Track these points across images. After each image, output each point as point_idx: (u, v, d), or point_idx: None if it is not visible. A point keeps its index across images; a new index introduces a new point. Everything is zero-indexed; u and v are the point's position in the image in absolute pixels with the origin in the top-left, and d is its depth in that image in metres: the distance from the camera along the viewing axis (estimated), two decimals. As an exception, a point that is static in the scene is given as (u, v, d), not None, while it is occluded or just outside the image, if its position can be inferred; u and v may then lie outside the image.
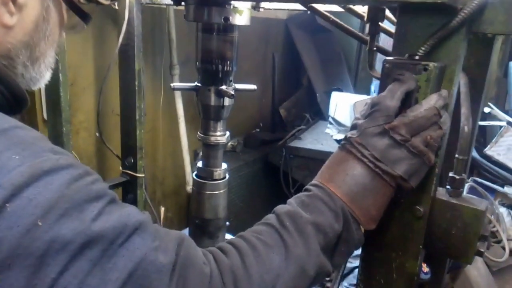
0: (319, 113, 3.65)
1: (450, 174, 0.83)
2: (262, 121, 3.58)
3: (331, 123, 3.09)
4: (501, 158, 2.35)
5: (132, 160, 1.97)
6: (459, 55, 0.74)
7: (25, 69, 0.67)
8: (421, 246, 0.82)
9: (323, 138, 2.99)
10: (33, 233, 0.49)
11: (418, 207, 0.80)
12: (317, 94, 3.59)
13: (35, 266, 0.49)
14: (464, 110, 0.84)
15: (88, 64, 2.02)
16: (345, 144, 0.73)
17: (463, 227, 0.80)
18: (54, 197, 0.51)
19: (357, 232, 0.70)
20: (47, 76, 0.73)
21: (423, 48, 0.73)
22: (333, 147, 2.83)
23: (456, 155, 0.83)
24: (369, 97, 2.82)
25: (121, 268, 0.53)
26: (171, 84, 1.24)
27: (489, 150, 2.38)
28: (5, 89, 0.61)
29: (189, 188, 2.58)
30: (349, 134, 0.73)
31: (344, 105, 2.81)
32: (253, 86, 1.35)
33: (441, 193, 0.84)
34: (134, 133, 1.91)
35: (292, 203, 0.71)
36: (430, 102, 0.69)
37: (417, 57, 0.73)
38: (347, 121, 2.78)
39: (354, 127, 0.74)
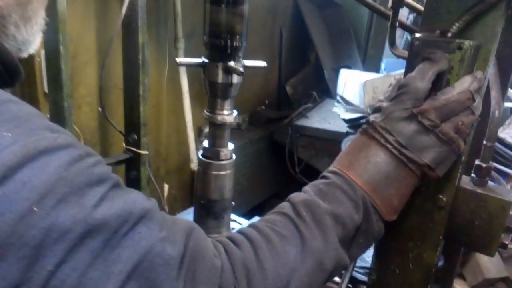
0: (326, 91, 3.56)
1: (477, 162, 0.77)
2: (268, 98, 3.51)
3: (339, 102, 3.01)
4: (513, 141, 2.29)
5: (136, 137, 1.93)
6: (496, 32, 0.67)
7: (17, 29, 0.60)
8: (441, 237, 0.78)
9: (330, 117, 2.93)
10: (28, 220, 0.44)
11: (440, 196, 0.75)
12: (325, 72, 3.50)
13: (30, 258, 0.44)
14: (494, 93, 0.78)
15: (90, 36, 1.95)
16: (367, 129, 0.67)
17: (488, 218, 0.76)
18: (52, 180, 0.45)
19: (378, 224, 0.66)
20: (38, 39, 0.66)
21: (457, 24, 0.66)
22: (341, 127, 2.77)
23: (484, 142, 0.77)
24: (380, 75, 2.74)
25: (125, 260, 0.48)
26: (177, 59, 1.18)
27: (501, 133, 2.31)
28: None
29: (193, 165, 2.54)
30: (371, 118, 0.68)
31: (353, 84, 2.73)
32: (262, 63, 1.28)
33: (465, 181, 0.79)
34: (137, 109, 1.86)
35: (309, 191, 0.66)
36: (464, 84, 0.63)
37: (449, 34, 0.67)
38: (355, 100, 2.70)
39: (377, 110, 0.68)
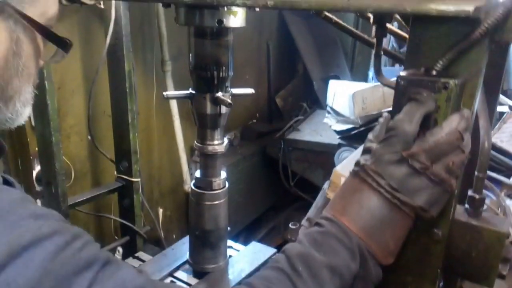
0: (316, 102, 3.56)
1: (469, 193, 0.77)
2: (258, 111, 3.50)
3: (329, 113, 3.02)
4: (504, 145, 2.30)
5: (127, 164, 1.91)
6: (481, 68, 0.67)
7: None
8: (439, 270, 0.78)
9: (321, 129, 2.92)
10: None
11: (436, 230, 0.75)
12: (314, 82, 3.50)
13: None
14: (483, 123, 0.78)
15: (75, 66, 1.93)
16: (359, 172, 0.67)
17: (484, 250, 0.75)
18: (37, 276, 0.44)
19: (375, 269, 0.65)
20: (26, 113, 0.64)
21: (441, 63, 0.66)
22: (332, 138, 2.77)
23: (476, 173, 0.77)
24: (369, 85, 2.75)
25: None
26: (164, 94, 1.17)
27: (492, 137, 2.32)
28: None
29: (187, 186, 2.52)
30: (362, 160, 0.67)
31: (342, 95, 2.73)
32: (250, 90, 1.28)
33: (460, 212, 0.78)
34: (127, 137, 1.84)
35: (304, 242, 0.65)
36: (452, 124, 0.63)
37: (434, 72, 0.66)
38: (345, 111, 2.71)
39: (367, 151, 0.68)
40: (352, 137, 2.61)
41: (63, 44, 0.65)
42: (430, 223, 0.74)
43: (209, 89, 1.17)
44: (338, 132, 2.74)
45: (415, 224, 0.73)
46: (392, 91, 0.71)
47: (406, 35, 1.05)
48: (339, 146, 2.62)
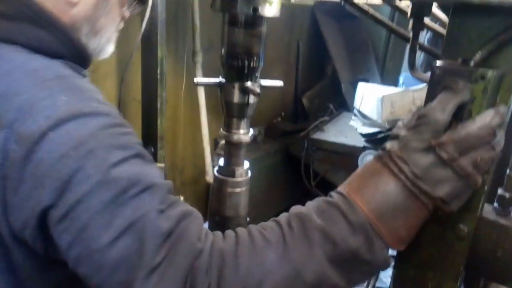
0: (343, 104, 3.54)
1: (499, 192, 0.75)
2: (284, 110, 3.50)
3: (356, 115, 2.99)
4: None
5: (153, 149, 1.95)
6: (521, 62, 0.66)
7: (88, 39, 0.78)
8: (462, 268, 0.76)
9: (347, 131, 2.90)
10: (65, 160, 0.58)
11: (461, 226, 0.73)
12: (342, 85, 3.48)
13: (60, 189, 0.58)
14: (518, 121, 0.76)
15: (110, 51, 1.98)
16: (382, 156, 0.66)
17: (511, 250, 0.73)
18: (86, 135, 0.60)
19: (382, 253, 0.64)
20: (109, 49, 0.84)
21: (479, 54, 0.64)
22: (358, 141, 2.74)
23: (508, 171, 0.75)
24: (398, 89, 2.71)
25: (126, 217, 0.59)
26: (195, 79, 1.19)
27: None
28: (72, 47, 0.72)
29: (208, 178, 2.55)
30: (388, 145, 0.66)
31: (371, 97, 2.70)
32: (279, 82, 1.28)
33: (488, 210, 0.76)
34: (155, 122, 1.88)
35: (309, 206, 0.68)
36: (486, 119, 0.61)
37: (472, 63, 0.65)
38: (373, 114, 2.67)
39: (395, 137, 0.67)
40: (377, 141, 2.58)
41: None
42: (456, 219, 0.73)
43: (238, 78, 1.18)
44: (364, 135, 2.71)
45: (441, 217, 0.72)
46: (422, 97, 0.70)
47: (442, 30, 1.04)
48: (363, 149, 2.59)
